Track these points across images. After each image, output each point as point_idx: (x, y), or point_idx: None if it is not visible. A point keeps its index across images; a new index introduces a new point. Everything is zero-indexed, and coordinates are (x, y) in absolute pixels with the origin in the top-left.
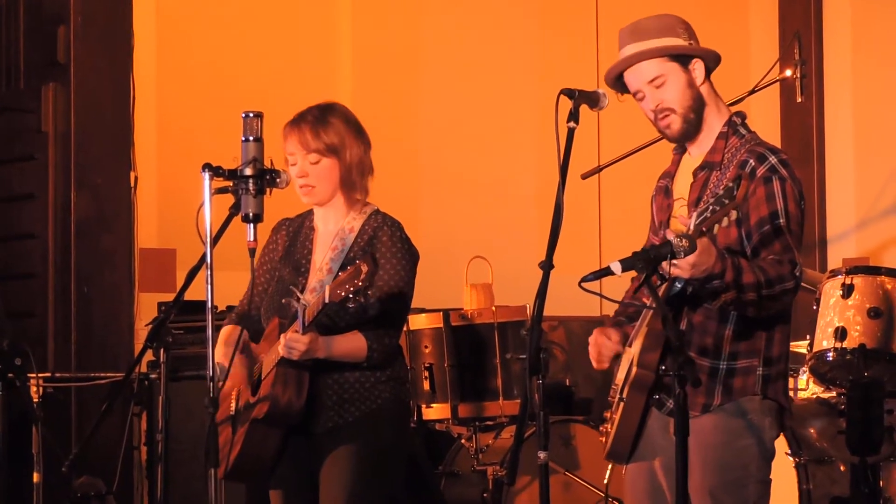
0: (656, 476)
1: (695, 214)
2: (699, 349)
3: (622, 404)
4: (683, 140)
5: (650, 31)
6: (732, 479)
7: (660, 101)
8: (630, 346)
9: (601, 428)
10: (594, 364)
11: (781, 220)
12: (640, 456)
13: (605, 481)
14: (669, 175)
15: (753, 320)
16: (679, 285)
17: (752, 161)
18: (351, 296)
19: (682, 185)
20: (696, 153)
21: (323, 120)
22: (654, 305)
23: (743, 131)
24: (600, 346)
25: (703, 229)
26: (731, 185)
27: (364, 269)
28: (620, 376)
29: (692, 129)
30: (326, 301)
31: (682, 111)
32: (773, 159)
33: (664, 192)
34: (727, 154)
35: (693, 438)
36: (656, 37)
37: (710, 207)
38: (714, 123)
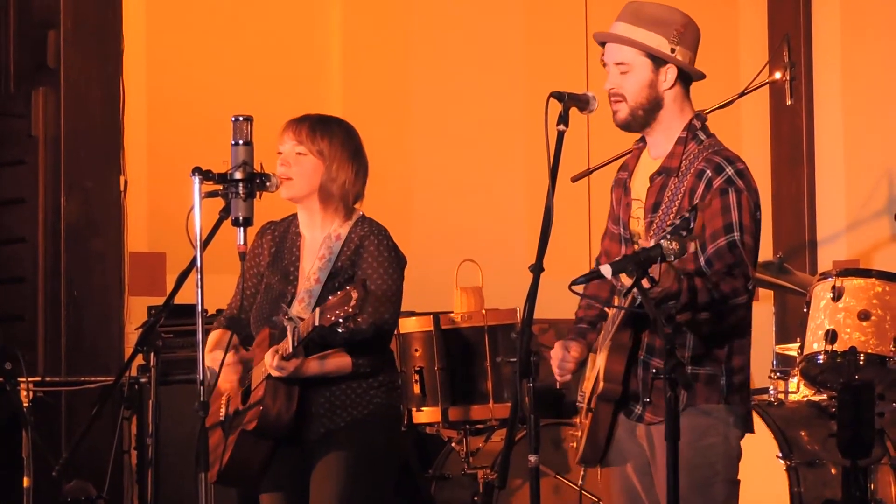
0: (630, 479)
1: (652, 241)
2: (661, 354)
3: (591, 414)
4: (625, 128)
5: (646, 21)
6: (699, 478)
7: (616, 86)
8: (596, 353)
9: (571, 433)
10: (556, 377)
11: (736, 234)
12: (611, 461)
13: (580, 482)
14: (628, 169)
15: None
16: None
17: (708, 171)
18: (341, 321)
19: (640, 186)
20: (655, 153)
21: (325, 126)
22: (622, 310)
23: (702, 136)
24: (559, 359)
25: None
26: (687, 215)
27: (354, 295)
28: (587, 384)
29: (637, 124)
30: (316, 324)
31: (633, 104)
32: (729, 170)
33: (622, 186)
34: (685, 160)
35: (659, 442)
36: (647, 28)
37: (668, 237)
38: (673, 125)
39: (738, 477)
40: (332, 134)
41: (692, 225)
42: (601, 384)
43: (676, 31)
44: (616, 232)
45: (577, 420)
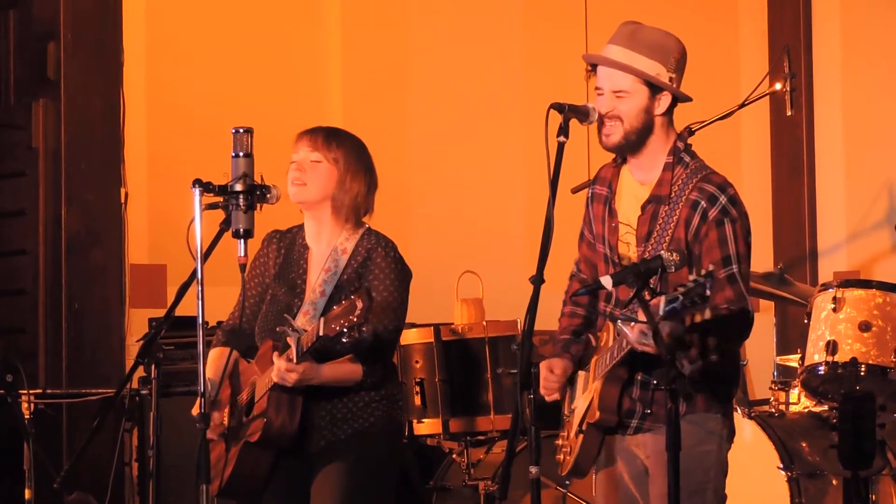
0: (626, 484)
1: (663, 300)
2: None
3: (581, 436)
4: (615, 151)
5: (644, 47)
6: (692, 483)
7: (613, 108)
8: (587, 370)
9: (559, 448)
10: (544, 397)
11: (734, 267)
12: (604, 463)
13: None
14: (609, 187)
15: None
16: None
17: (703, 203)
18: (345, 330)
19: (627, 209)
20: (639, 176)
21: (340, 136)
22: (619, 323)
23: (686, 158)
24: (544, 379)
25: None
26: (702, 280)
27: (359, 304)
28: (578, 402)
29: (628, 147)
30: (320, 334)
31: (628, 127)
32: (723, 199)
33: (605, 203)
34: (674, 187)
35: (655, 449)
36: (647, 55)
37: (681, 300)
38: (658, 150)
39: (726, 492)
40: (346, 145)
41: (707, 293)
42: (597, 414)
43: (674, 58)
44: (592, 241)
45: (564, 433)
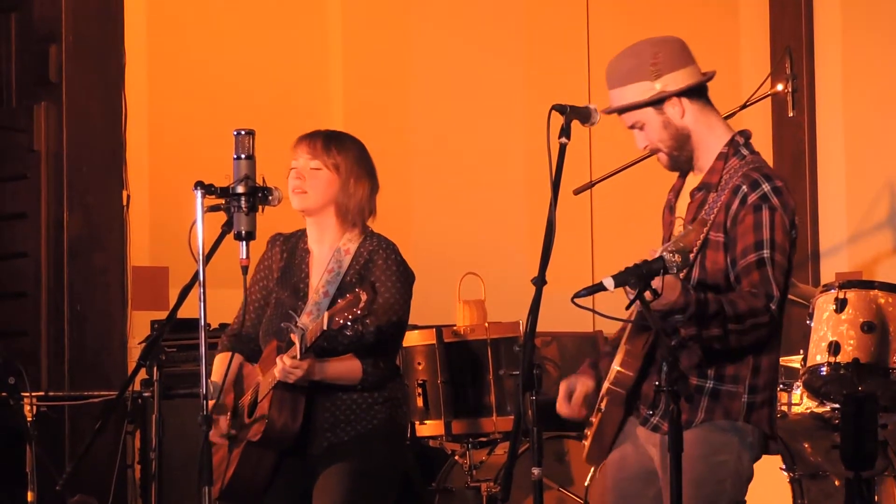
0: (636, 480)
1: (660, 249)
2: (685, 368)
3: (600, 414)
4: (677, 171)
5: (623, 77)
6: (706, 493)
7: (645, 142)
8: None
9: (586, 431)
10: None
11: (766, 252)
12: (618, 444)
13: (586, 483)
14: (675, 190)
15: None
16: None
17: (744, 187)
18: (349, 323)
19: (683, 203)
20: (699, 173)
21: (340, 140)
22: (634, 321)
23: (745, 152)
24: (559, 402)
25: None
26: (690, 227)
27: (363, 297)
28: (605, 386)
29: (682, 162)
30: (325, 328)
31: (666, 148)
32: (766, 187)
33: (669, 208)
34: (725, 175)
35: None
36: (626, 83)
37: (671, 248)
38: (710, 145)
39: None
40: (346, 150)
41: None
42: (606, 385)
43: (651, 65)
44: None
45: (592, 419)
